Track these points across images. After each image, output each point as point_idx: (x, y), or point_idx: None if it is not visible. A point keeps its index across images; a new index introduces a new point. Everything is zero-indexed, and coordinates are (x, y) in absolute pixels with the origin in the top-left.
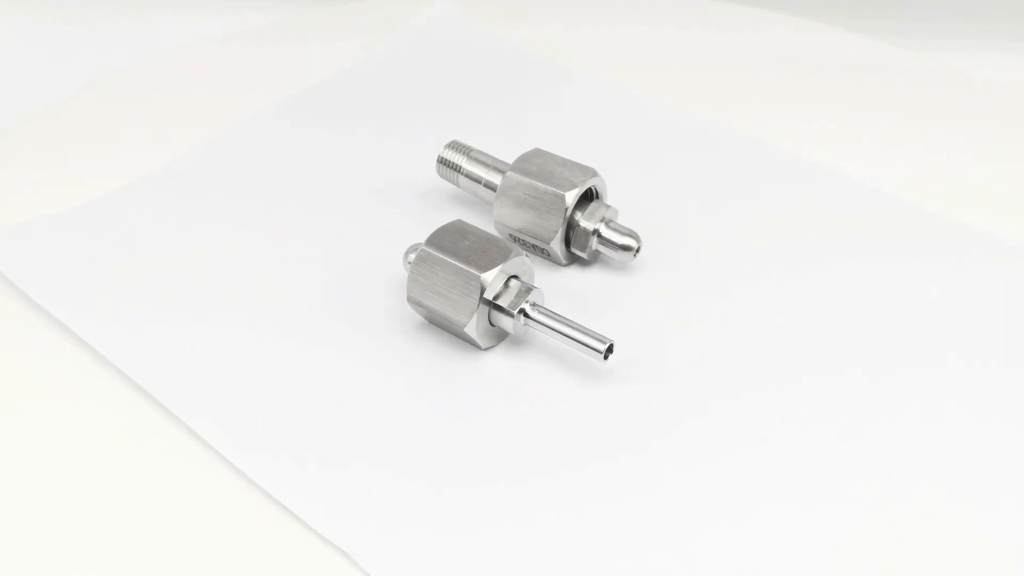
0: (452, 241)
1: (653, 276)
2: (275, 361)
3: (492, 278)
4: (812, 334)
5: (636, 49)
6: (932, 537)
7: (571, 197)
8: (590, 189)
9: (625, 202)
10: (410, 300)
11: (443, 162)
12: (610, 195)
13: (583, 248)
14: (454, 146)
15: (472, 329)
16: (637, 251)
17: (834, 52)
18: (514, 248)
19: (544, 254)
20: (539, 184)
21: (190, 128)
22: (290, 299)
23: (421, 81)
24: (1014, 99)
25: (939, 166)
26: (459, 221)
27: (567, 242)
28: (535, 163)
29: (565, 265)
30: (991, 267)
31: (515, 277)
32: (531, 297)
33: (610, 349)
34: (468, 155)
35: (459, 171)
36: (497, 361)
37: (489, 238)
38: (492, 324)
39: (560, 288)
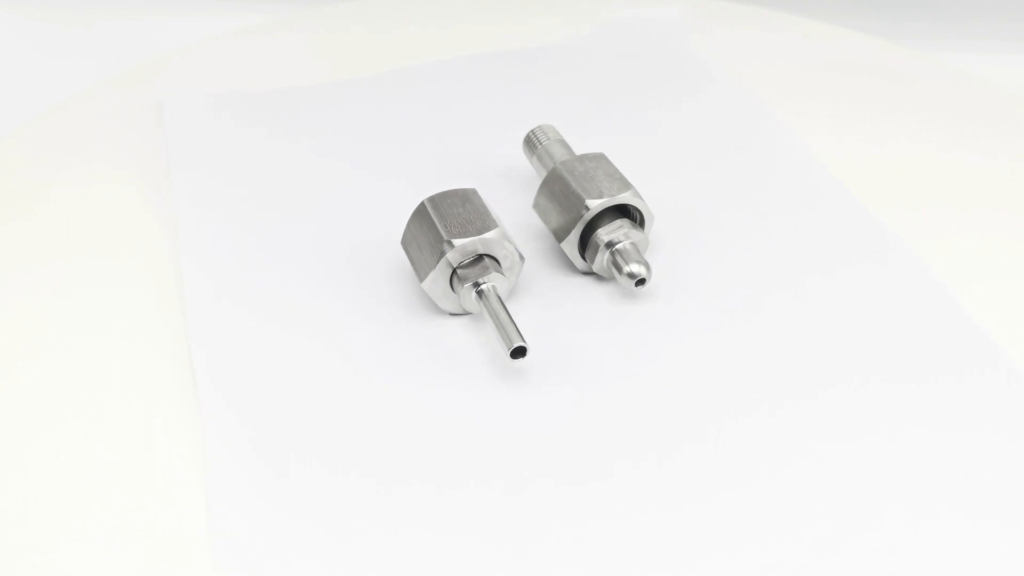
0: (450, 204)
1: (666, 299)
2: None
3: (459, 246)
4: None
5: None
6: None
7: (593, 205)
8: (632, 209)
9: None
10: (402, 244)
11: (527, 141)
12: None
13: (592, 260)
14: (543, 128)
15: (428, 287)
16: (642, 282)
17: (837, 52)
18: (498, 229)
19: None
20: (572, 185)
21: None
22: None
23: (581, 69)
24: (1014, 99)
25: (939, 166)
26: (471, 190)
27: (584, 250)
28: (587, 165)
29: (583, 273)
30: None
31: (493, 259)
32: (491, 279)
33: (520, 351)
34: (551, 140)
35: (535, 152)
36: (456, 331)
37: (483, 214)
38: (455, 292)
39: (566, 289)
